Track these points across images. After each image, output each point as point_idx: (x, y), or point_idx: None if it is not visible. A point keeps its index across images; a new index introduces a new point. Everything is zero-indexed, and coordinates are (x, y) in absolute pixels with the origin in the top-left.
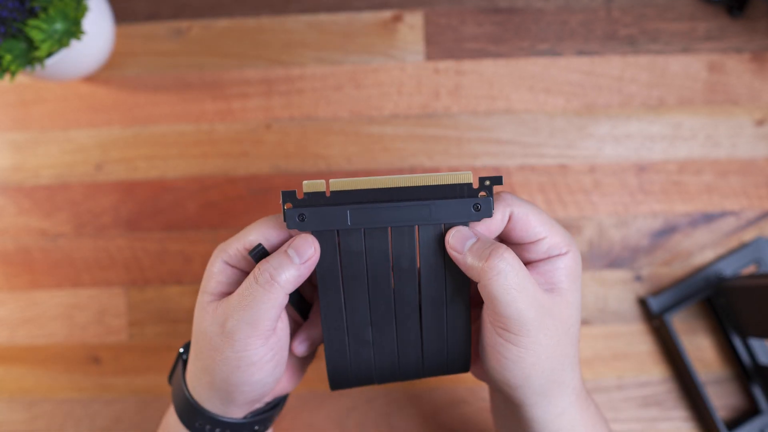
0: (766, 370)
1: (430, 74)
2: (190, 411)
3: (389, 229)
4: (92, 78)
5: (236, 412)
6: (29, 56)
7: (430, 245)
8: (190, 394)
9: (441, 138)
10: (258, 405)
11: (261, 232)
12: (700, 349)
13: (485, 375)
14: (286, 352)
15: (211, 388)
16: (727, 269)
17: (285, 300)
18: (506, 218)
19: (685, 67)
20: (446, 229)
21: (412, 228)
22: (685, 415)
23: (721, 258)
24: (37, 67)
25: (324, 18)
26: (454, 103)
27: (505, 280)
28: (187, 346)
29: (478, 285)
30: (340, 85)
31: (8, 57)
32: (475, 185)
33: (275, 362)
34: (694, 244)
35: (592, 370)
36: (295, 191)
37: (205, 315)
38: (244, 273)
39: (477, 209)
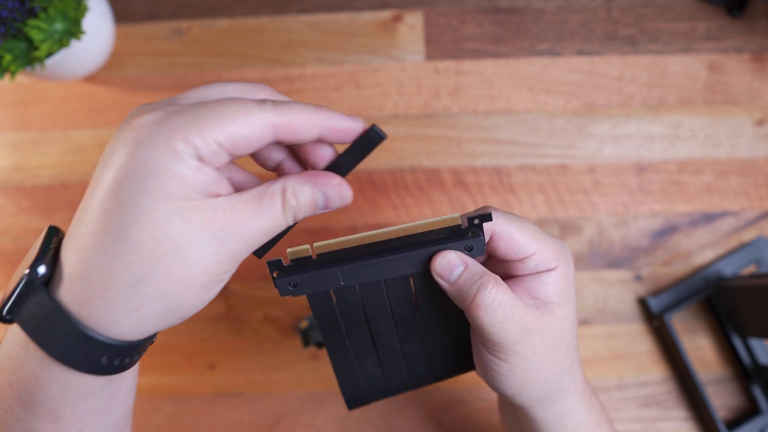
0: (766, 370)
1: (430, 74)
2: (92, 348)
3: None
4: (92, 78)
5: (136, 331)
6: (29, 56)
7: (426, 288)
8: (95, 332)
9: (441, 138)
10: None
11: (241, 129)
12: (700, 349)
13: None
14: None
15: (160, 315)
16: (727, 269)
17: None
18: (487, 237)
19: (685, 67)
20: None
21: (407, 277)
22: (685, 415)
23: (721, 258)
24: (37, 67)
25: (324, 18)
26: (454, 103)
27: (492, 315)
28: (37, 262)
29: (465, 313)
30: (340, 85)
31: (8, 57)
32: (464, 225)
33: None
34: (694, 244)
35: (592, 370)
36: (280, 260)
37: (191, 219)
38: (218, 171)
39: (469, 250)
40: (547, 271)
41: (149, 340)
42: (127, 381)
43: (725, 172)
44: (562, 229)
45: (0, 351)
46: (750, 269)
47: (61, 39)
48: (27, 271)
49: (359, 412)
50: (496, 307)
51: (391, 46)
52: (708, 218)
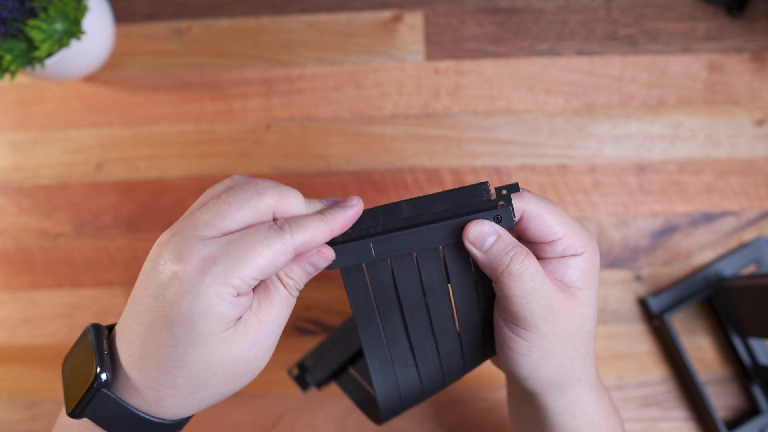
0: (766, 370)
1: (430, 74)
2: (150, 427)
3: (414, 253)
4: (92, 78)
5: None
6: (29, 56)
7: (457, 260)
8: (154, 417)
9: (441, 138)
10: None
11: (269, 260)
12: (700, 349)
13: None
14: None
15: (204, 399)
16: (727, 269)
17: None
18: (517, 216)
19: (685, 67)
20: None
21: (437, 248)
22: (685, 415)
23: (721, 258)
24: (37, 67)
25: (324, 18)
26: (454, 103)
27: (521, 285)
28: (101, 381)
29: (494, 282)
30: (340, 85)
31: (8, 57)
32: (493, 196)
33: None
34: (694, 244)
35: None
36: None
37: (232, 342)
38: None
39: (498, 220)
40: (574, 255)
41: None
42: None
43: (725, 172)
44: None
45: (61, 425)
46: (750, 269)
47: (61, 39)
48: (94, 380)
49: (359, 413)
50: (526, 278)
51: (391, 46)
52: (708, 218)
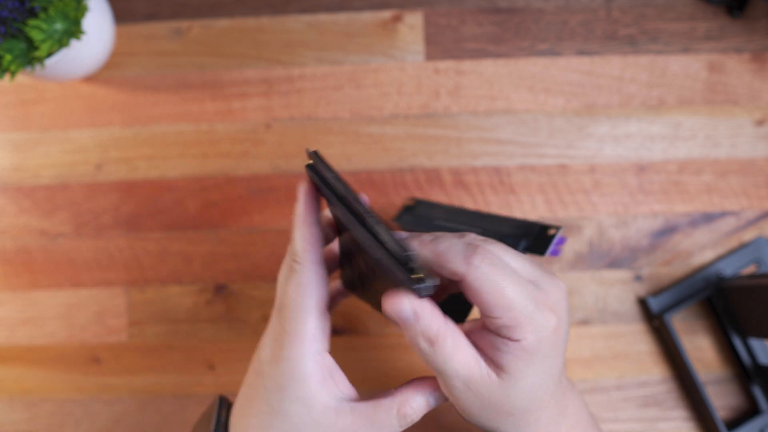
0: (766, 370)
1: (430, 74)
2: None
3: None
4: (92, 78)
5: None
6: (29, 56)
7: None
8: None
9: (441, 138)
10: None
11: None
12: (700, 349)
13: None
14: None
15: None
16: (727, 269)
17: None
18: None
19: (685, 67)
20: None
21: None
22: (685, 415)
23: (721, 258)
24: (37, 67)
25: (324, 18)
26: (454, 103)
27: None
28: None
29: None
30: (340, 85)
31: (8, 57)
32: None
33: None
34: (694, 244)
35: (592, 370)
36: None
37: (319, 421)
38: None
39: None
40: (508, 339)
41: None
42: None
43: (725, 172)
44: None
45: None
46: (750, 269)
47: (61, 39)
48: None
49: None
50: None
51: (391, 46)
52: (708, 218)
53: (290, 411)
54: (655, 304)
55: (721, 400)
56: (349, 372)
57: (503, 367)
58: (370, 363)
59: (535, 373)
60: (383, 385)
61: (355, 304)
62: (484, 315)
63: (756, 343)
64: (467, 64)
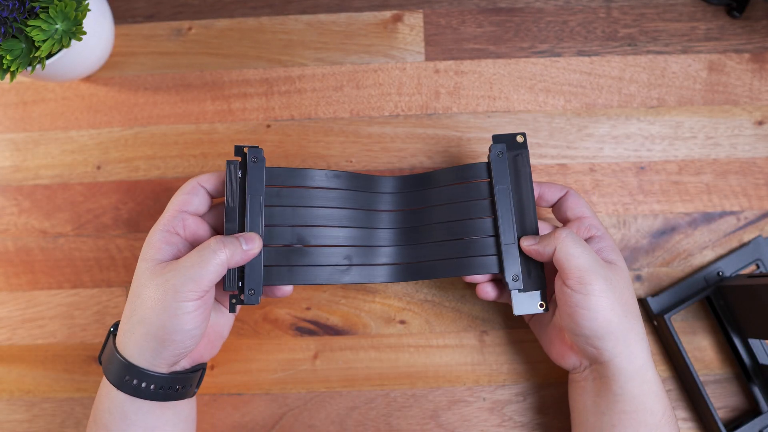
0: (766, 370)
1: (430, 74)
2: (120, 368)
3: None
4: (92, 78)
5: (162, 367)
6: (29, 56)
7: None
8: (120, 353)
9: (441, 138)
10: (182, 363)
11: (182, 200)
12: (700, 349)
13: (567, 348)
14: (209, 312)
15: (146, 338)
16: (727, 269)
17: (223, 271)
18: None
19: (685, 67)
20: None
21: None
22: (685, 415)
23: (721, 258)
24: (38, 67)
25: (324, 18)
26: (454, 103)
27: (570, 248)
28: (116, 325)
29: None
30: (340, 85)
31: (8, 57)
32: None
33: (203, 317)
34: (694, 244)
35: None
36: None
37: (150, 275)
38: (179, 236)
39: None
40: (597, 237)
41: (173, 379)
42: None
43: (725, 172)
44: None
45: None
46: (750, 269)
47: (62, 39)
48: (112, 329)
49: (359, 412)
50: (570, 242)
51: (391, 47)
52: (708, 218)
53: (136, 271)
54: (655, 304)
55: (721, 400)
56: (349, 372)
57: (605, 258)
58: (370, 363)
59: (623, 264)
60: (383, 385)
61: (355, 304)
62: (576, 219)
63: (756, 343)
64: (467, 65)
